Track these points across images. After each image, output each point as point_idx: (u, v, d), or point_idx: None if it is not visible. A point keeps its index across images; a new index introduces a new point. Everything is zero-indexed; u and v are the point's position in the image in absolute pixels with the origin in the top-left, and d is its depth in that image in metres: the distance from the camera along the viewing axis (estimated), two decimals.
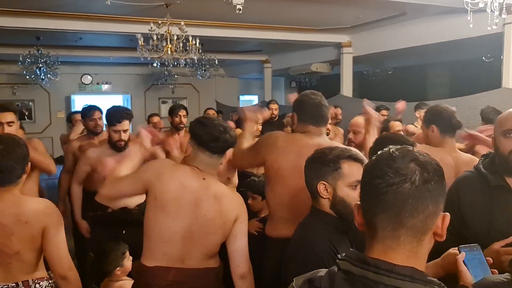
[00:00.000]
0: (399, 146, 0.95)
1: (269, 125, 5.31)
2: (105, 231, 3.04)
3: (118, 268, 2.59)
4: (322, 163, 1.64)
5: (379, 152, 0.96)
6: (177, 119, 4.36)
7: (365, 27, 8.33)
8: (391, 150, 0.94)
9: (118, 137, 3.11)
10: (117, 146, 3.14)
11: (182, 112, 4.43)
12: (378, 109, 6.32)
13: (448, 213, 0.94)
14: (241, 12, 4.85)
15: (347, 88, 9.40)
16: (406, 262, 0.89)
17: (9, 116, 2.82)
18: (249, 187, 3.03)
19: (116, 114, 3.12)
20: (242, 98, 15.39)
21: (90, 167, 3.25)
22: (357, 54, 9.19)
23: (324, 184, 1.63)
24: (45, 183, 9.74)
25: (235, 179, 3.55)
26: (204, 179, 1.96)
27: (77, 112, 5.21)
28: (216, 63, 10.56)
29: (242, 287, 2.00)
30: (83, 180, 3.35)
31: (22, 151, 2.02)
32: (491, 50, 7.69)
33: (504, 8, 4.28)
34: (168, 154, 4.04)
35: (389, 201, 0.88)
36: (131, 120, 3.19)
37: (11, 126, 2.81)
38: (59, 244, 2.04)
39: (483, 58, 8.32)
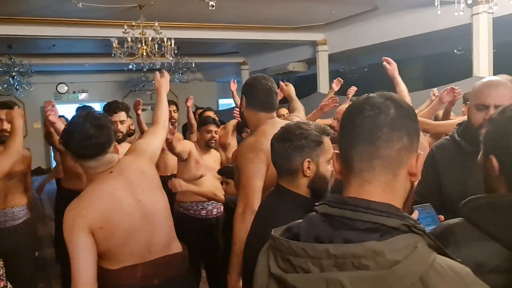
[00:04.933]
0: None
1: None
2: None
3: None
4: (306, 139, 1.57)
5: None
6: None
7: (339, 24, 8.44)
8: (368, 94, 0.96)
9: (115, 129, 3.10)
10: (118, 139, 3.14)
11: (172, 107, 4.52)
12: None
13: (422, 152, 0.96)
14: (214, 8, 4.86)
15: (323, 86, 9.49)
16: (382, 196, 0.91)
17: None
18: (222, 173, 3.07)
19: (112, 105, 3.20)
20: (221, 101, 15.38)
21: None
22: (332, 52, 9.30)
23: (309, 161, 1.56)
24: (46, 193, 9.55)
25: None
26: (111, 172, 1.85)
27: None
28: (193, 66, 10.55)
29: None
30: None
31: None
32: (461, 42, 7.86)
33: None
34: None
35: (364, 131, 0.91)
36: (128, 112, 3.21)
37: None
38: None
39: (455, 51, 8.50)
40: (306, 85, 10.91)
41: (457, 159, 1.89)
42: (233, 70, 13.17)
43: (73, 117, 1.90)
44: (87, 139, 1.77)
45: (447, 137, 2.06)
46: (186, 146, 3.45)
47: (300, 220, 0.97)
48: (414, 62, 10.98)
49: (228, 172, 3.02)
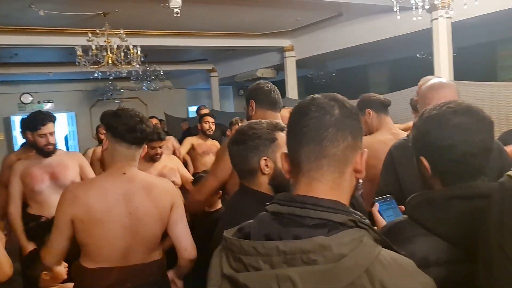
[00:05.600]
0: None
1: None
2: (42, 242, 2.90)
3: (45, 272, 2.42)
4: (259, 139, 1.59)
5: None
6: None
7: (305, 30, 8.55)
8: (313, 95, 1.00)
9: (46, 141, 2.97)
10: (45, 151, 3.00)
11: None
12: None
13: (366, 150, 0.99)
14: (179, 15, 4.85)
15: (292, 91, 9.58)
16: (329, 194, 0.93)
17: None
18: (195, 184, 3.04)
19: (39, 117, 2.98)
20: (191, 109, 15.32)
21: (21, 182, 3.02)
22: (299, 58, 9.41)
23: (266, 159, 1.58)
24: None
25: None
26: (124, 173, 1.90)
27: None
28: (162, 73, 10.47)
29: (189, 268, 2.04)
30: (21, 199, 3.07)
31: None
32: (423, 47, 8.09)
33: (427, 1, 4.53)
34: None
35: (311, 131, 0.93)
36: (55, 122, 3.08)
37: None
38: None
39: (417, 55, 8.74)
40: None
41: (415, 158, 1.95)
42: (202, 77, 13.16)
43: (119, 109, 1.99)
44: (139, 124, 1.89)
45: (405, 137, 2.13)
46: None
47: (252, 220, 0.98)
48: (379, 66, 11.25)
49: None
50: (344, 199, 0.96)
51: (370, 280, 0.83)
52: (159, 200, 1.94)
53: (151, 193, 1.92)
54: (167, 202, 1.97)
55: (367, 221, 0.92)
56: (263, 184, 1.61)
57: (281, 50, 9.55)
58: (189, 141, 4.80)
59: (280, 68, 10.20)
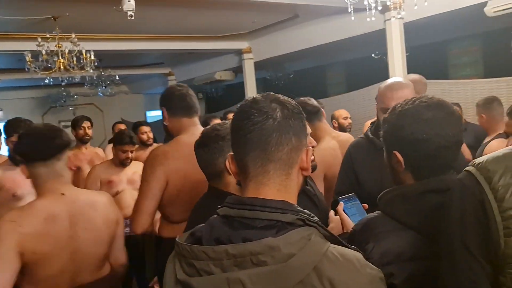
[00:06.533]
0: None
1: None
2: None
3: None
4: (223, 140, 1.61)
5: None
6: (81, 132, 4.25)
7: (262, 32, 8.57)
8: (254, 96, 1.01)
9: None
10: (16, 159, 2.92)
11: (86, 124, 4.32)
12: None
13: (311, 148, 1.04)
14: (133, 18, 4.73)
15: (251, 93, 9.57)
16: (277, 196, 0.95)
17: None
18: None
19: (13, 124, 3.01)
20: (149, 114, 15.06)
21: None
22: (257, 59, 9.42)
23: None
24: None
25: None
26: (63, 194, 1.78)
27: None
28: (117, 78, 10.21)
29: (122, 273, 2.05)
30: None
31: None
32: (378, 47, 8.28)
33: (379, 2, 4.62)
34: (78, 170, 3.88)
35: (256, 138, 0.94)
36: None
37: None
38: None
39: (372, 55, 8.93)
40: (234, 93, 10.96)
41: (372, 156, 1.98)
42: (159, 82, 12.94)
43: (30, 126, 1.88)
44: (41, 140, 1.74)
45: (362, 135, 2.17)
46: (94, 179, 3.40)
47: (203, 224, 0.99)
48: (336, 67, 11.44)
49: None
50: (292, 199, 0.97)
51: (318, 277, 0.84)
52: (105, 215, 1.89)
53: (97, 210, 1.86)
54: (113, 217, 1.94)
55: (316, 218, 0.94)
56: (231, 184, 1.62)
57: (239, 52, 9.53)
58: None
59: (238, 70, 10.18)
